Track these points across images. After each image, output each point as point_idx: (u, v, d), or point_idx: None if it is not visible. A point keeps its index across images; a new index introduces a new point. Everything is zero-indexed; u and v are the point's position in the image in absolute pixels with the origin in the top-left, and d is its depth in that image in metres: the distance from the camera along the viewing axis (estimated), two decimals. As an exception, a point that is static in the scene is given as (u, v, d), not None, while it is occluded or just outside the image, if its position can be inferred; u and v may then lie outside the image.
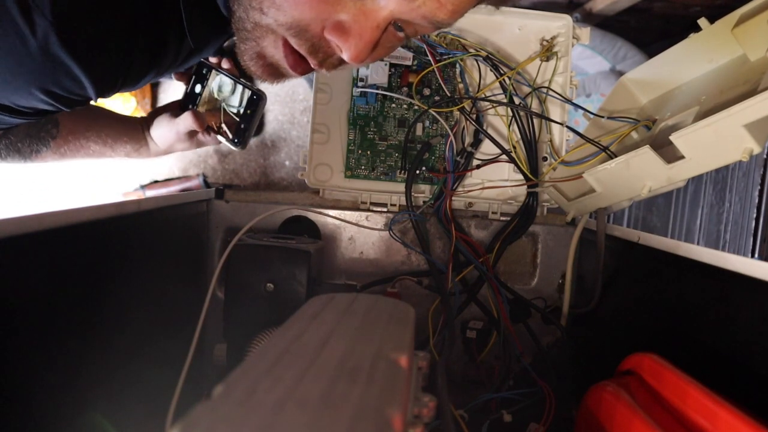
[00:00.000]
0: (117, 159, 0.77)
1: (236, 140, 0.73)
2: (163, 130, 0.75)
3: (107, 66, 0.53)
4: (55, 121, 0.69)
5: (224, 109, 0.74)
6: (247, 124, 0.73)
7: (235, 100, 0.74)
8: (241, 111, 0.73)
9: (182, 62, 0.65)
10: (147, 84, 0.74)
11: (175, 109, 0.76)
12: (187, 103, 0.76)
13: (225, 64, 0.74)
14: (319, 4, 0.48)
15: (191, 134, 0.75)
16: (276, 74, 0.57)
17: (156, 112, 0.77)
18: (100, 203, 0.51)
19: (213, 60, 0.74)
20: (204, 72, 0.75)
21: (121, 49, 0.54)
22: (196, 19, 0.58)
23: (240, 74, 0.74)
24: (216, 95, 0.75)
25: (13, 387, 0.40)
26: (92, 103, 0.60)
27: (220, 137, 0.75)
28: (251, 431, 0.24)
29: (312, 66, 0.54)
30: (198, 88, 0.75)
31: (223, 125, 0.74)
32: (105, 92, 0.56)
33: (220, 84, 0.75)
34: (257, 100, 0.72)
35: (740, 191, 1.49)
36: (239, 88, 0.73)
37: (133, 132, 0.76)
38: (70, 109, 0.57)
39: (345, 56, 0.51)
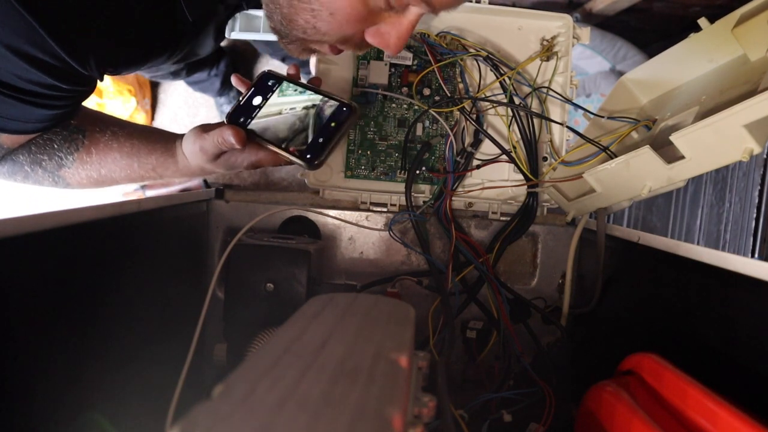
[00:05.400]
0: (144, 174, 0.68)
1: (309, 155, 0.60)
2: (188, 144, 0.64)
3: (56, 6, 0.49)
4: (82, 130, 0.65)
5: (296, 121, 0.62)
6: (327, 137, 0.60)
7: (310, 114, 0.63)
8: (321, 123, 0.61)
9: (179, 47, 0.64)
10: (140, 68, 0.67)
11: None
12: (239, 116, 0.63)
13: (305, 80, 0.67)
14: (359, 22, 0.52)
15: (226, 154, 0.63)
16: (309, 53, 0.60)
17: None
18: (100, 203, 0.51)
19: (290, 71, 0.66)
20: (270, 84, 0.65)
21: None
22: None
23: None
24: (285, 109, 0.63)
25: (13, 387, 0.40)
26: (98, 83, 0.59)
27: (282, 152, 0.61)
28: (251, 431, 0.24)
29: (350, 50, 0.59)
30: (257, 100, 0.64)
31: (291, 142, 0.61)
32: (69, 43, 0.50)
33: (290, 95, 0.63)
34: (347, 113, 0.61)
35: (740, 191, 1.49)
36: (322, 100, 0.62)
37: (164, 142, 0.67)
38: (70, 86, 0.54)
39: (387, 53, 0.58)
